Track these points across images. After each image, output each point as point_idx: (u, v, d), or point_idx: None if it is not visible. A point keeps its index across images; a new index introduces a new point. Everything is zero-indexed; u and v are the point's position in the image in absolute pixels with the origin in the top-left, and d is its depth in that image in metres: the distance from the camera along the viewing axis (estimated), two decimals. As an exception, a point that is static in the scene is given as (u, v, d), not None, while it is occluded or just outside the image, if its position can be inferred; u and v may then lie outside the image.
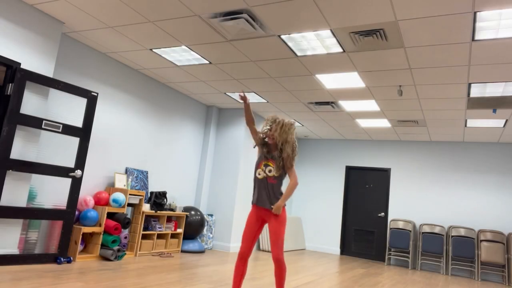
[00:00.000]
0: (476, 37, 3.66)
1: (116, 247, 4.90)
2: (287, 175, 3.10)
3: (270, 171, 3.02)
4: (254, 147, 3.19)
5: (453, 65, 4.34)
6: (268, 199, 3.02)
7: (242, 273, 3.03)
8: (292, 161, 3.04)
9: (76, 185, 4.47)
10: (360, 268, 6.77)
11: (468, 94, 5.16)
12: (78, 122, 4.53)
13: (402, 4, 3.24)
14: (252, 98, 6.60)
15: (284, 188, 3.06)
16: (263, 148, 3.12)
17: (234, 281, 3.04)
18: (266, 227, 7.58)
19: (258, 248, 7.95)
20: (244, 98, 3.10)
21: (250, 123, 3.15)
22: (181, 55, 5.01)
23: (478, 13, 3.24)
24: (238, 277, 3.03)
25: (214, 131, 7.55)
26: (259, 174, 3.07)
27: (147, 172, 6.03)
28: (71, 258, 4.40)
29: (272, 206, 2.99)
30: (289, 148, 3.01)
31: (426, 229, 7.62)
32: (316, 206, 9.12)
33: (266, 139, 3.12)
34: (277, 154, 3.05)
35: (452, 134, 7.41)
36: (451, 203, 7.75)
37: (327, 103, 6.35)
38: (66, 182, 4.46)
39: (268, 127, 3.09)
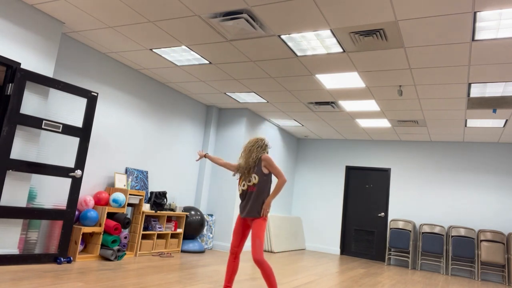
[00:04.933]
0: (476, 37, 3.66)
1: (116, 247, 4.90)
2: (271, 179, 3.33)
3: (249, 180, 3.25)
4: (234, 175, 3.44)
5: (453, 65, 4.34)
6: (249, 208, 3.21)
7: (233, 269, 3.25)
8: (271, 162, 3.25)
9: (76, 185, 4.47)
10: (360, 268, 6.77)
11: (468, 94, 5.17)
12: (78, 122, 4.53)
13: (402, 4, 3.24)
14: (252, 98, 6.60)
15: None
16: (240, 169, 3.39)
17: (225, 276, 3.27)
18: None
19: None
20: (201, 156, 3.64)
21: (224, 165, 3.54)
22: (181, 55, 5.01)
23: (478, 13, 3.25)
24: (229, 273, 3.26)
25: (214, 131, 7.55)
26: (239, 190, 3.34)
27: (147, 172, 6.03)
28: (71, 258, 4.40)
29: (252, 215, 3.20)
30: (253, 154, 3.30)
31: (426, 229, 7.62)
32: (316, 206, 9.12)
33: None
34: (251, 164, 3.29)
35: (452, 134, 7.41)
36: (451, 203, 7.76)
37: (327, 103, 6.35)
38: (66, 182, 4.46)
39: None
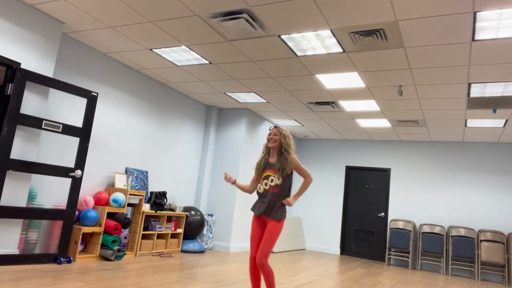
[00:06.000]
0: (476, 37, 3.66)
1: (116, 247, 4.89)
2: (288, 180, 3.10)
3: (272, 180, 3.04)
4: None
5: (453, 65, 4.34)
6: (268, 208, 3.02)
7: (258, 275, 3.06)
8: (298, 163, 3.09)
9: (76, 185, 4.47)
10: (360, 268, 6.77)
11: (468, 94, 5.16)
12: (78, 122, 4.53)
13: (402, 4, 3.24)
14: (252, 98, 6.60)
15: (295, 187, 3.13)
16: (261, 165, 3.16)
17: (252, 285, 3.08)
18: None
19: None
20: (228, 180, 3.17)
21: (250, 186, 3.23)
22: (181, 55, 5.01)
23: (478, 13, 3.24)
24: (255, 281, 3.06)
25: (214, 131, 7.55)
26: (259, 189, 3.11)
27: (147, 172, 6.03)
28: (71, 258, 4.40)
29: (271, 216, 3.01)
30: (291, 151, 3.10)
31: (426, 229, 7.62)
32: (316, 206, 9.12)
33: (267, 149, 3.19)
34: (276, 161, 3.08)
35: (452, 134, 7.41)
36: (451, 203, 7.75)
37: (327, 103, 6.35)
38: (66, 182, 4.46)
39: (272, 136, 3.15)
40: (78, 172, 4.44)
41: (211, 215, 7.10)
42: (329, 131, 8.45)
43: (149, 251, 5.67)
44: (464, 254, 7.16)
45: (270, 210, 3.01)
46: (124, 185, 5.47)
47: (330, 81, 5.28)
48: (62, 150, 4.59)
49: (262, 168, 3.14)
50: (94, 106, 4.64)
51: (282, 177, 3.02)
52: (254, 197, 7.68)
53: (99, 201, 4.99)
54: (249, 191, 3.25)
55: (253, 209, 3.15)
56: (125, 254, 5.12)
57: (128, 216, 5.43)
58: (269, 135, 3.15)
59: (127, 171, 5.68)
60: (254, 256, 3.02)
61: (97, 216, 4.80)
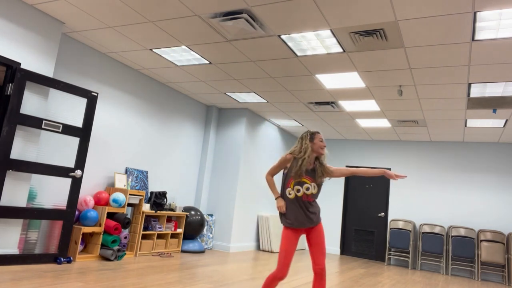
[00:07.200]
0: (476, 37, 3.66)
1: (116, 247, 4.90)
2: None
3: (308, 189, 2.81)
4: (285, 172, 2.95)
5: (453, 65, 4.34)
6: (308, 218, 2.82)
7: None
8: (336, 168, 3.03)
9: (76, 185, 4.47)
10: (360, 268, 6.77)
11: (468, 94, 5.17)
12: (78, 122, 4.53)
13: (402, 4, 3.24)
14: (252, 98, 6.60)
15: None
16: (293, 166, 2.88)
17: None
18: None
19: (258, 248, 7.95)
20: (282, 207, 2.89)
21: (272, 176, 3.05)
22: (181, 55, 5.01)
23: (478, 13, 3.25)
24: None
25: (214, 131, 7.55)
26: (289, 194, 2.83)
27: (147, 172, 6.03)
28: (71, 258, 4.40)
29: (317, 222, 2.86)
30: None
31: (426, 229, 7.62)
32: (316, 206, 9.11)
33: (305, 156, 2.92)
34: (316, 169, 2.89)
35: (452, 134, 7.41)
36: (451, 203, 7.75)
37: (327, 103, 6.35)
38: (66, 182, 4.46)
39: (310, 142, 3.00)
40: (78, 172, 4.44)
41: (211, 215, 7.10)
42: (329, 131, 8.45)
43: (149, 251, 5.67)
44: (464, 254, 7.16)
45: (317, 218, 2.86)
46: (124, 185, 5.47)
47: (330, 81, 5.28)
48: (62, 150, 4.59)
49: (299, 174, 2.86)
50: (94, 106, 4.64)
51: (319, 186, 2.89)
52: (255, 197, 7.67)
53: (99, 201, 4.99)
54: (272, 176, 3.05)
55: (292, 224, 2.80)
56: (125, 254, 5.12)
57: (128, 216, 5.43)
58: (321, 141, 3.02)
59: (127, 171, 5.68)
60: (284, 275, 2.75)
61: (97, 216, 4.80)
